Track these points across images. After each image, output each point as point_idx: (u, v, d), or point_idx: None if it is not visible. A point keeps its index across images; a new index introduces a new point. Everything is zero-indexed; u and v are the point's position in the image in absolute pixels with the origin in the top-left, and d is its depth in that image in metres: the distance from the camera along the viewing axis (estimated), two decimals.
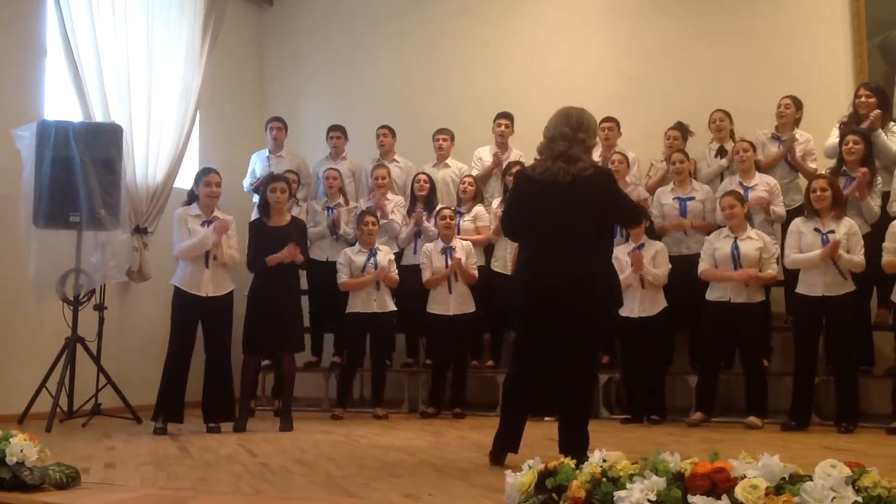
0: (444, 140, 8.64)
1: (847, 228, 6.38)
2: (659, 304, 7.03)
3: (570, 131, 4.58)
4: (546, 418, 6.52)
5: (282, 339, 6.71)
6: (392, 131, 8.80)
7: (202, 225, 6.52)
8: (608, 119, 8.09)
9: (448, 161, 8.68)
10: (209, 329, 6.56)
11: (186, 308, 6.48)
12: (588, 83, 8.84)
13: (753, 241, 6.74)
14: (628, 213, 4.96)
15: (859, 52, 7.98)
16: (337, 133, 8.83)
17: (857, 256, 6.33)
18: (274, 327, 6.63)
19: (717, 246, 6.85)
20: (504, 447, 4.58)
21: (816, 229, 6.45)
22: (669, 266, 7.04)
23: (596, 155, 7.50)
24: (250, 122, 9.87)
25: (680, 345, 7.47)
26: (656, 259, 7.04)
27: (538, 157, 4.86)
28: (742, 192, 7.15)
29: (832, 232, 6.36)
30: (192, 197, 6.68)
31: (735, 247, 6.72)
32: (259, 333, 6.65)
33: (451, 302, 7.65)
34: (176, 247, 6.54)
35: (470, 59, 9.42)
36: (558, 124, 4.65)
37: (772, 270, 6.72)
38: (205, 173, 6.69)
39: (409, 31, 9.76)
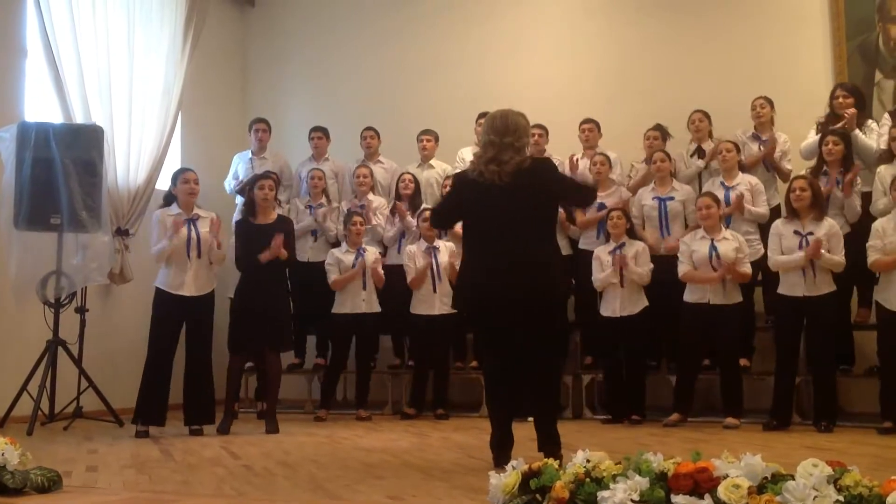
0: (429, 141, 8.65)
1: (827, 229, 6.42)
2: (640, 303, 7.04)
3: (497, 137, 4.60)
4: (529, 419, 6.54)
5: (272, 336, 6.66)
6: (377, 133, 8.80)
7: (183, 224, 6.50)
8: (588, 121, 8.12)
9: (432, 162, 8.68)
10: (191, 330, 6.53)
11: (168, 309, 6.44)
12: (571, 83, 8.89)
13: (730, 242, 6.77)
14: (578, 192, 5.02)
15: (839, 54, 8.03)
16: (318, 134, 8.82)
17: (838, 256, 6.37)
18: (263, 325, 6.59)
19: (694, 248, 6.86)
20: (502, 447, 4.55)
21: (796, 231, 6.48)
22: (651, 265, 7.06)
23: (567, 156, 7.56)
24: (232, 124, 9.83)
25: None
26: (638, 259, 7.06)
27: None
28: (723, 191, 7.19)
29: (811, 234, 6.40)
30: (169, 198, 6.67)
31: (713, 248, 6.75)
32: (246, 333, 6.60)
33: (435, 302, 7.64)
34: (154, 248, 6.54)
35: (453, 59, 9.43)
36: (485, 132, 4.70)
37: (746, 269, 6.75)
38: (182, 172, 6.73)
39: (393, 32, 9.76)
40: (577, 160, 7.95)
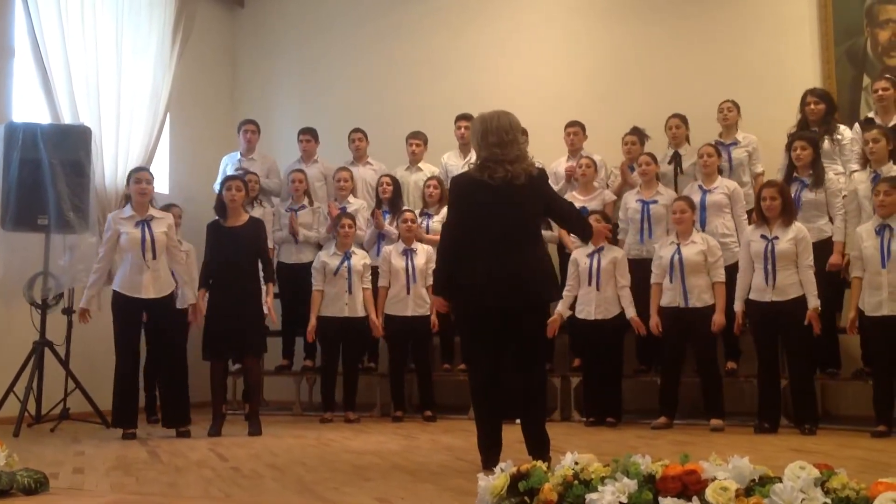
0: (418, 145, 8.61)
1: (794, 234, 6.39)
2: (615, 308, 6.98)
3: (496, 137, 4.58)
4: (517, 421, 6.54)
5: (241, 343, 6.60)
6: (365, 135, 8.78)
7: (136, 226, 6.38)
8: (573, 123, 8.11)
9: (421, 165, 8.66)
10: (156, 333, 6.46)
11: (128, 312, 6.35)
12: (560, 86, 8.89)
13: (696, 246, 6.73)
14: (579, 223, 5.06)
15: (827, 58, 8.06)
16: (307, 136, 8.79)
17: (809, 271, 6.34)
18: (232, 331, 6.52)
19: (661, 254, 6.88)
20: (490, 449, 4.53)
21: (763, 236, 6.47)
22: (629, 276, 6.99)
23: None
24: (221, 125, 9.80)
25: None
26: (616, 267, 6.98)
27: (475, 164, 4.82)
28: (700, 194, 7.20)
29: (777, 238, 6.40)
30: (129, 199, 6.62)
31: (677, 252, 6.75)
32: (218, 338, 6.53)
33: (409, 303, 7.64)
34: (99, 251, 6.51)
35: (443, 61, 9.43)
36: (482, 133, 4.63)
37: (719, 277, 6.72)
38: (134, 171, 6.65)
39: (382, 34, 9.75)
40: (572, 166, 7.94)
